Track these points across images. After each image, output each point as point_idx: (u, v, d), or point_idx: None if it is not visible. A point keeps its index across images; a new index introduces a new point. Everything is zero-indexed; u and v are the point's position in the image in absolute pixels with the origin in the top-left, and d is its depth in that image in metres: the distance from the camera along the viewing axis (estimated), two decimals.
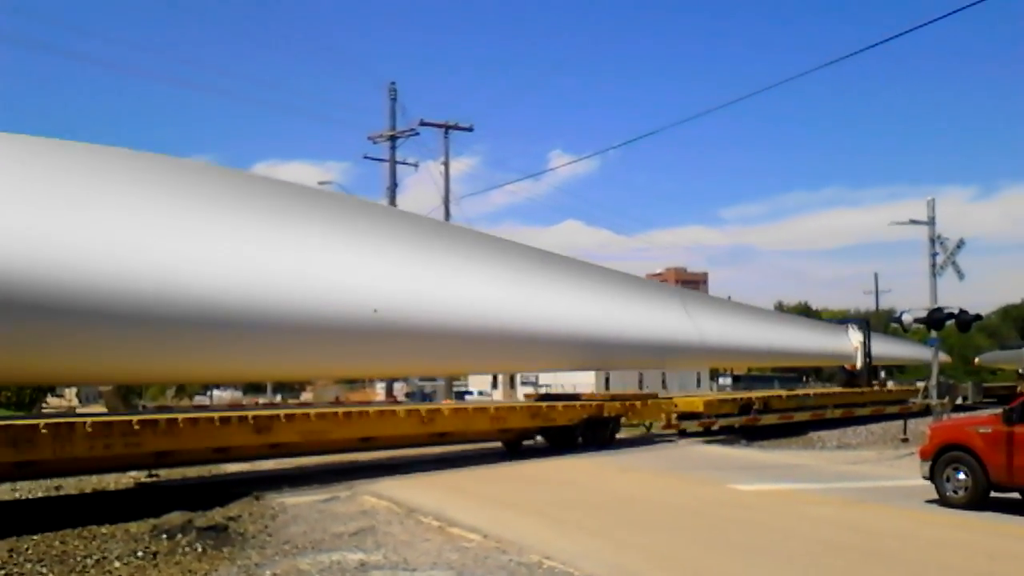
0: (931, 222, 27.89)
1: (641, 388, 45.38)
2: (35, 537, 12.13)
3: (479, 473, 18.09)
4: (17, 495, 16.29)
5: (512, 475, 17.99)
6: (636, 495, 15.29)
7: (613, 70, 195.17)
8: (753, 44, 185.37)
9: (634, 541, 11.01)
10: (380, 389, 51.47)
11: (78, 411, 33.89)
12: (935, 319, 26.11)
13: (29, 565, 10.81)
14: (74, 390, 54.55)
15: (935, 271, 27.51)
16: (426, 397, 49.36)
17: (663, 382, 53.42)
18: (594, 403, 23.61)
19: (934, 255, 27.51)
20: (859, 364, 35.98)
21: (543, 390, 46.98)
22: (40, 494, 16.48)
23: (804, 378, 41.34)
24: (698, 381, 53.70)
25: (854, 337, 36.94)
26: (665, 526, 12.07)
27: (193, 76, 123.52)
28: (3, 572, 10.53)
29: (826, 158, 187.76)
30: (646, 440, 24.46)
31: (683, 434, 25.71)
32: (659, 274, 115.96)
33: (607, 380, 50.13)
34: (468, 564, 9.42)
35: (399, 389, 50.73)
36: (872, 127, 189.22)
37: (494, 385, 58.23)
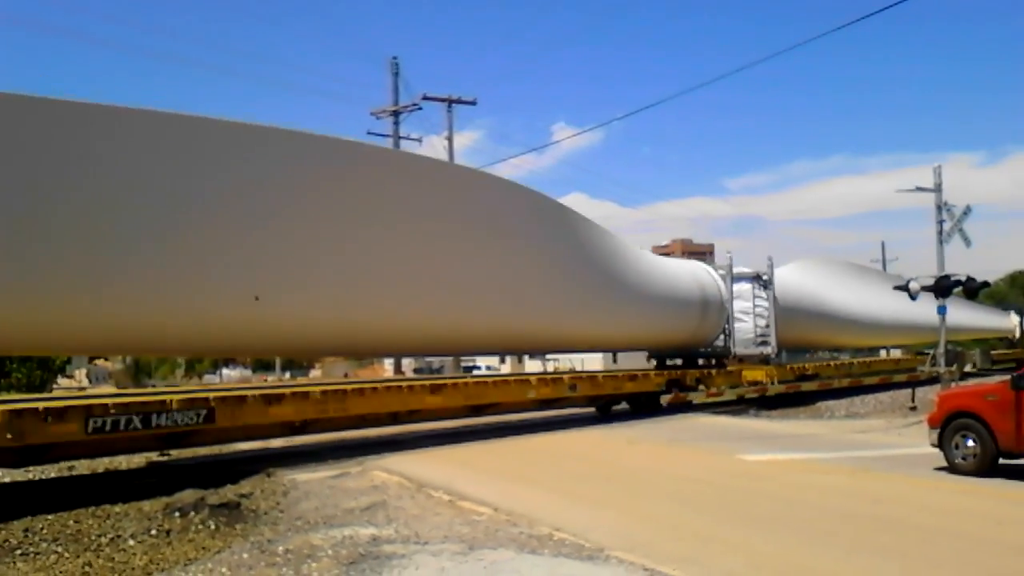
0: (937, 189, 27.76)
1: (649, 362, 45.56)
2: (49, 517, 12.22)
3: (487, 447, 18.17)
4: (31, 476, 16.40)
5: (520, 449, 18.07)
6: (645, 466, 15.35)
7: (615, 41, 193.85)
8: (755, 13, 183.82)
9: (643, 512, 11.07)
10: (388, 365, 51.63)
11: (88, 391, 34.11)
12: (942, 286, 26.04)
13: (44, 544, 10.90)
14: (84, 371, 54.84)
15: (942, 238, 27.40)
16: (434, 372, 49.45)
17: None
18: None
19: (941, 222, 27.39)
20: (1018, 335, 52.11)
21: (550, 365, 47.04)
22: (53, 474, 16.59)
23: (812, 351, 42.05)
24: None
25: (1014, 318, 53.78)
26: (674, 497, 12.13)
27: (191, 53, 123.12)
28: (19, 552, 10.63)
29: (831, 126, 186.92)
30: (654, 412, 24.49)
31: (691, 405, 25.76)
32: (665, 246, 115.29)
33: (614, 357, 50.12)
34: (479, 537, 9.48)
35: (407, 365, 50.79)
36: (877, 94, 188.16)
37: (502, 360, 58.35)
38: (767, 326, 27.87)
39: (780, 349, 29.56)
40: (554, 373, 28.24)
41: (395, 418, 18.64)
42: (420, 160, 18.82)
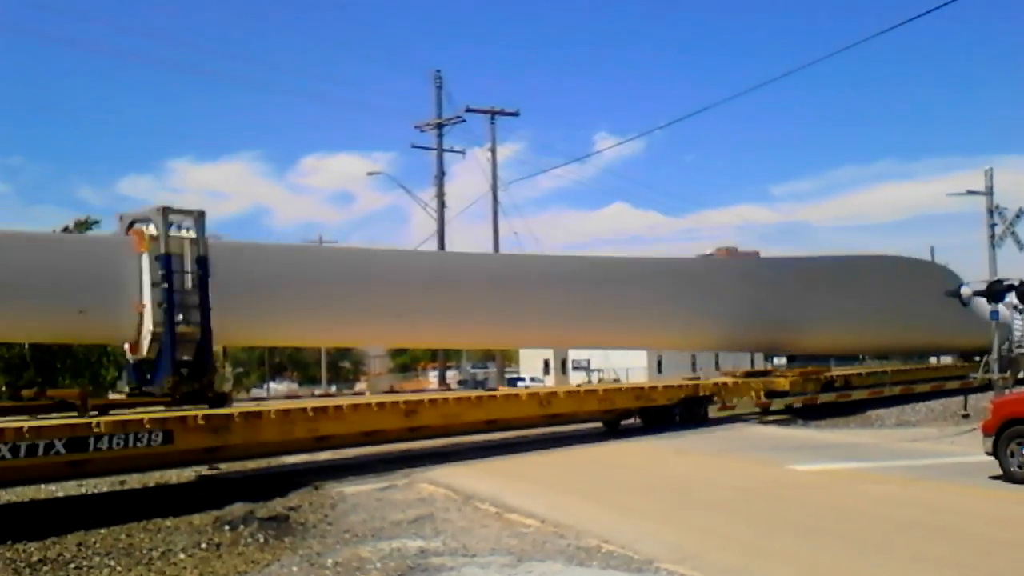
0: (989, 192, 27.35)
1: (694, 370, 45.35)
2: (102, 531, 12.40)
3: (534, 459, 18.13)
4: (83, 490, 16.65)
5: (567, 460, 18.00)
6: (693, 477, 15.22)
7: (657, 49, 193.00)
8: (799, 17, 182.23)
9: (692, 523, 10.96)
10: (433, 378, 51.80)
11: None
12: (995, 291, 25.59)
13: (97, 558, 11.06)
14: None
15: (994, 242, 27.00)
16: (478, 384, 49.47)
17: (716, 363, 53.06)
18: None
19: (993, 226, 27.01)
20: None
21: (595, 376, 46.88)
22: (105, 489, 16.83)
23: (861, 357, 41.41)
24: (752, 361, 53.14)
25: None
26: (723, 507, 11.99)
27: (236, 71, 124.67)
28: (72, 565, 10.78)
29: (877, 131, 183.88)
30: (701, 423, 24.29)
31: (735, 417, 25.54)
32: (710, 254, 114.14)
33: (659, 363, 49.90)
34: (527, 549, 9.45)
35: (451, 377, 50.93)
36: (922, 98, 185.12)
37: (546, 371, 58.31)
38: (1022, 336, 38.16)
39: None
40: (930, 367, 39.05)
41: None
42: (865, 260, 31.22)
